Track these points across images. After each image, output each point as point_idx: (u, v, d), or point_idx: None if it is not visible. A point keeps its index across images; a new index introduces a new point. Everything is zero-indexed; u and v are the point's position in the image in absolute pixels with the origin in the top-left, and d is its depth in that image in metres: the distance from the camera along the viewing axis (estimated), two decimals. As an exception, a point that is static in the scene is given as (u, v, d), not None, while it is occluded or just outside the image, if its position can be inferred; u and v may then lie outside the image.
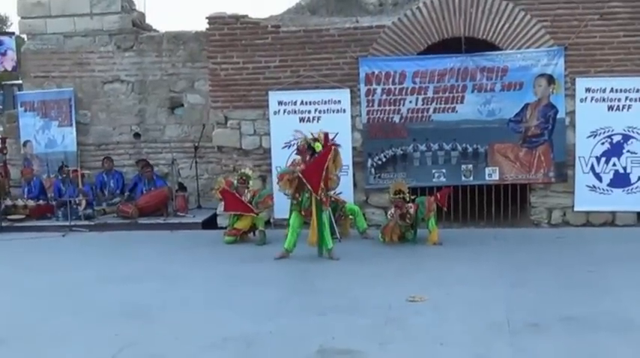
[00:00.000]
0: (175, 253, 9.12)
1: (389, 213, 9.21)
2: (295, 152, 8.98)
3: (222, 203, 9.73)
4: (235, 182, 9.57)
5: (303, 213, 8.43)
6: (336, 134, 8.93)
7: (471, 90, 9.72)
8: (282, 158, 9.85)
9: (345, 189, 9.69)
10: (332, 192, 9.02)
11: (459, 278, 7.45)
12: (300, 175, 8.25)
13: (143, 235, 10.34)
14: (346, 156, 9.73)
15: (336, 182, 8.77)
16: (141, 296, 7.17)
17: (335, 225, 9.10)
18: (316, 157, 8.34)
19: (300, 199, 8.38)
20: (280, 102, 10.13)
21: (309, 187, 8.20)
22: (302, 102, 10.08)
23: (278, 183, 8.81)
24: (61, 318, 6.58)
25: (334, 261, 8.28)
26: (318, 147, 8.42)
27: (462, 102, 9.75)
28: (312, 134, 8.63)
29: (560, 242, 8.97)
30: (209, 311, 6.65)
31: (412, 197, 9.07)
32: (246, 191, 9.52)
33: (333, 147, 8.36)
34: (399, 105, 9.86)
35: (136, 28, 11.92)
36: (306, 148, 8.48)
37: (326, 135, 8.60)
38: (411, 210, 8.90)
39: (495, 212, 9.92)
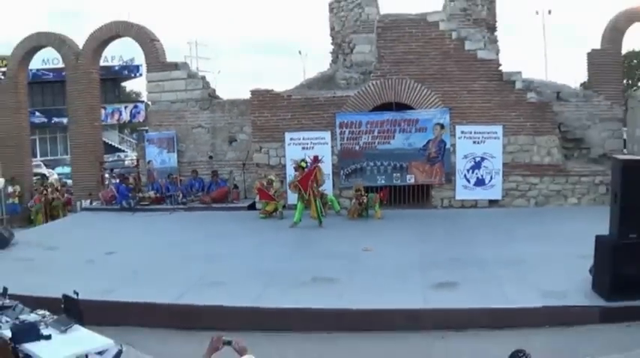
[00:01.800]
0: (232, 224, 8.95)
1: (352, 201, 9.08)
2: (294, 170, 8.94)
3: (258, 195, 9.66)
4: (265, 184, 9.46)
5: (305, 202, 8.40)
6: (323, 156, 8.90)
7: (398, 131, 9.56)
8: (292, 171, 9.58)
9: (328, 187, 9.49)
10: (321, 188, 8.93)
11: (393, 237, 7.46)
12: (297, 183, 8.36)
13: (214, 214, 10.11)
14: (328, 169, 9.56)
15: (324, 181, 8.77)
16: (212, 248, 7.11)
17: (322, 208, 8.96)
18: (305, 173, 8.37)
19: (303, 195, 8.37)
20: (291, 139, 9.95)
21: (302, 189, 8.30)
22: (303, 139, 9.87)
23: (289, 187, 8.81)
24: (168, 261, 6.55)
25: (323, 228, 8.21)
26: (304, 164, 8.50)
27: (393, 138, 9.58)
28: (308, 157, 8.65)
29: (448, 219, 8.81)
30: (249, 258, 6.59)
31: (365, 194, 8.94)
32: (271, 189, 9.40)
33: (316, 167, 8.34)
34: (358, 140, 9.70)
35: (210, 97, 11.72)
36: (298, 167, 8.55)
37: (316, 157, 8.62)
38: (365, 201, 8.84)
39: (412, 200, 9.77)
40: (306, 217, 8.49)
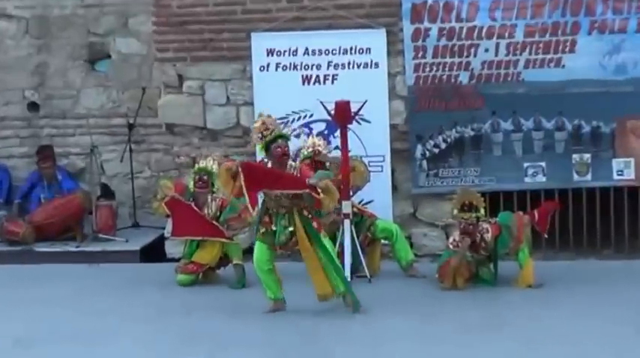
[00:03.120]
0: (97, 300, 9.09)
1: (451, 239, 9.25)
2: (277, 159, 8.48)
3: (171, 220, 9.73)
4: (193, 184, 9.51)
5: (278, 249, 8.34)
6: (365, 102, 9.10)
7: (587, 31, 9.70)
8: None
9: (378, 194, 9.75)
10: (356, 197, 9.36)
11: (566, 340, 7.46)
12: (239, 169, 8.07)
13: (44, 270, 10.27)
14: (382, 142, 9.84)
15: (366, 178, 9.11)
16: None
17: (361, 255, 9.06)
18: (301, 168, 8.39)
19: (273, 228, 8.26)
20: (271, 52, 10.16)
21: (248, 201, 8.20)
22: (307, 52, 10.14)
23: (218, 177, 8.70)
24: None
25: (361, 316, 8.27)
26: (287, 133, 8.34)
27: (572, 51, 9.75)
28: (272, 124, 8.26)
29: None
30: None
31: (488, 219, 9.09)
32: (209, 200, 9.48)
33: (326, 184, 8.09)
34: (467, 57, 9.84)
35: None
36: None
37: (343, 105, 8.45)
38: (488, 236, 9.00)
39: (630, 233, 9.89)
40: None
